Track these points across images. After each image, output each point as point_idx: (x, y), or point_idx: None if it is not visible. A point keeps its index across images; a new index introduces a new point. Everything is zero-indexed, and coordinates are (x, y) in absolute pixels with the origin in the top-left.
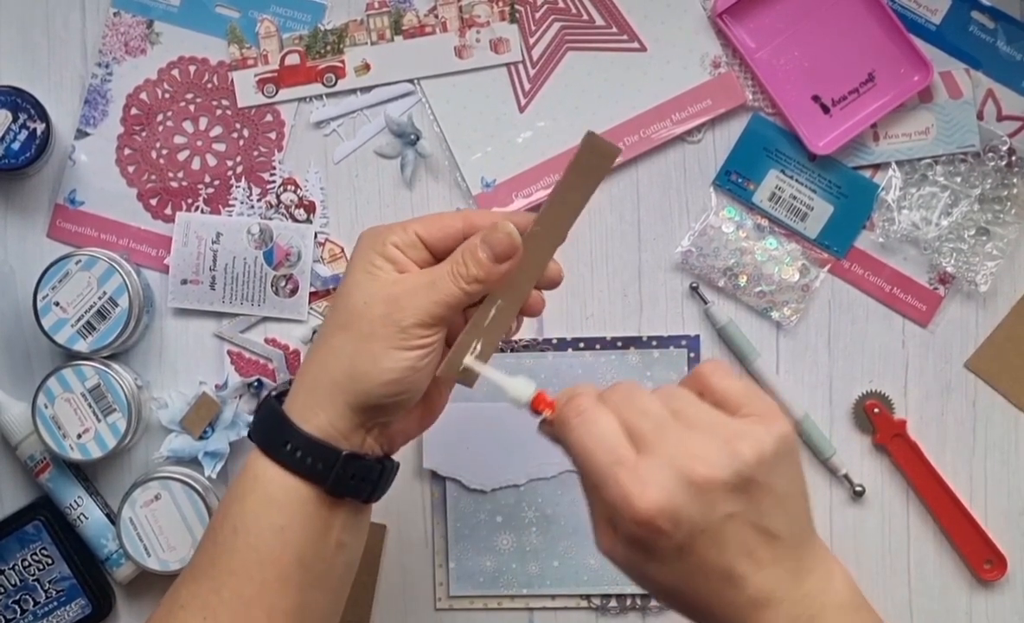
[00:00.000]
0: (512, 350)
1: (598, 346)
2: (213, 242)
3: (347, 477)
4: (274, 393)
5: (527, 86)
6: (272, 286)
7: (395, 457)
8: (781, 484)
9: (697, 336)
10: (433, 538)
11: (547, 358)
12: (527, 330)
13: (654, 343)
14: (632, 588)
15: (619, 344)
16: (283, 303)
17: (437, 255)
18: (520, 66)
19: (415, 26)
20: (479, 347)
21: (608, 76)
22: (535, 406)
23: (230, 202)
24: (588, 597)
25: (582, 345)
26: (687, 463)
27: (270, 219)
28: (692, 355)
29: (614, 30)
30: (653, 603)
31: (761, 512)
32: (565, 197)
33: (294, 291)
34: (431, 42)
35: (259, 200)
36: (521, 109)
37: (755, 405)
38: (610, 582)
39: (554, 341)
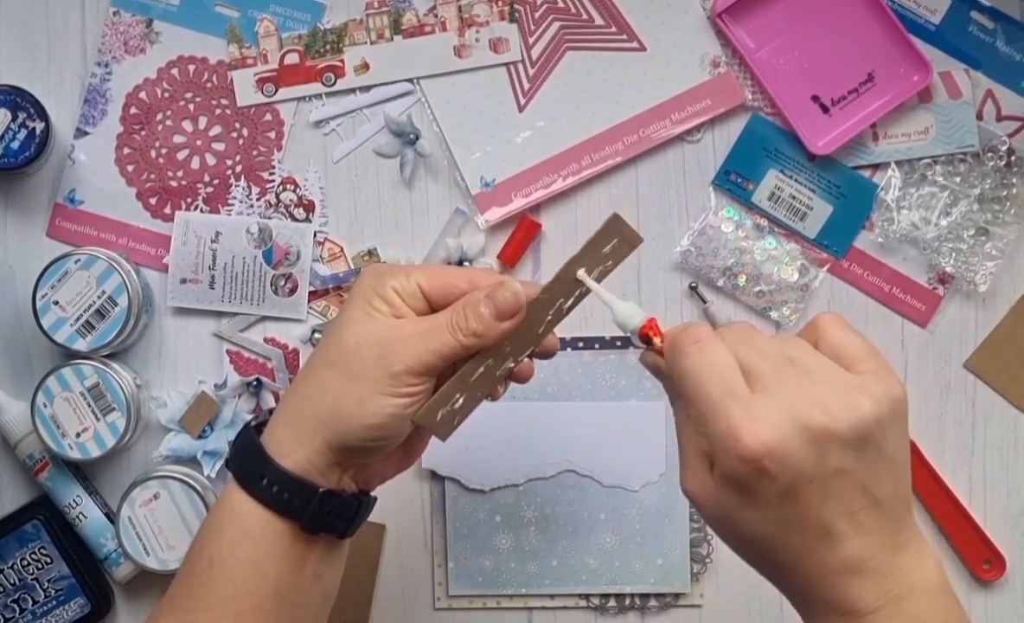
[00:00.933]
0: None
1: (597, 346)
2: (212, 241)
3: (323, 513)
4: (254, 423)
5: (526, 86)
6: (271, 285)
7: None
8: (891, 449)
9: None
10: (432, 538)
11: None
12: None
13: None
14: (631, 588)
15: (618, 344)
16: (282, 302)
17: (435, 309)
18: (519, 66)
19: (414, 25)
20: (460, 401)
21: (608, 76)
22: (644, 332)
23: (229, 201)
24: (587, 597)
25: (581, 345)
26: (805, 408)
27: (269, 218)
28: None
29: (614, 30)
30: (652, 603)
31: (870, 473)
32: (577, 272)
33: (293, 290)
34: (430, 41)
35: (258, 199)
36: (520, 109)
37: (872, 362)
38: (609, 582)
39: None
